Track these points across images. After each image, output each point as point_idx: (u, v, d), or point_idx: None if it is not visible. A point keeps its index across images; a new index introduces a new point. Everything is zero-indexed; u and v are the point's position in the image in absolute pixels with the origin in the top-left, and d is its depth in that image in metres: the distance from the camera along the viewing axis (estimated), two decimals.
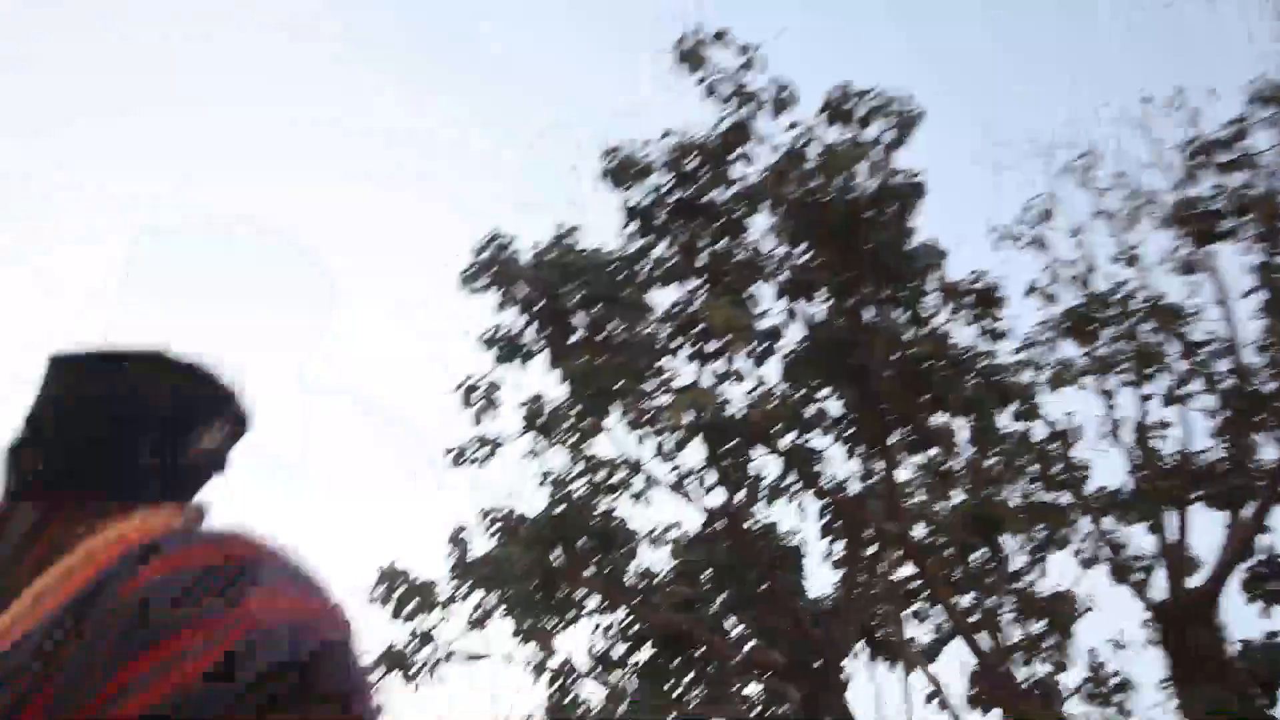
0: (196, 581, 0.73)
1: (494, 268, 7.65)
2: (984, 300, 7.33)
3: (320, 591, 0.78)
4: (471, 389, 7.91)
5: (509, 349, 7.74)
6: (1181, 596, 7.82)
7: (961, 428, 7.71)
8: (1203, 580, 7.76)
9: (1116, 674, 9.32)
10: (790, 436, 7.64)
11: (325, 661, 0.74)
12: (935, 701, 8.91)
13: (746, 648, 8.89)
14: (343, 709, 0.75)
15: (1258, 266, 7.52)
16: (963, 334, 7.81)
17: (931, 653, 9.32)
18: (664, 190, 7.39)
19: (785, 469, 7.82)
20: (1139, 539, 8.56)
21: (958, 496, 7.86)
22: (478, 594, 8.72)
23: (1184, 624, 7.75)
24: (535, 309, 7.53)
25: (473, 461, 8.40)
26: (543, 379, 9.08)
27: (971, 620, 8.24)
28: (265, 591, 0.73)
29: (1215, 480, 7.51)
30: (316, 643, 0.74)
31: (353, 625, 0.80)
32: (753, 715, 9.28)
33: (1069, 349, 8.04)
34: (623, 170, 7.44)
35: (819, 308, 7.42)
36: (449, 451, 8.42)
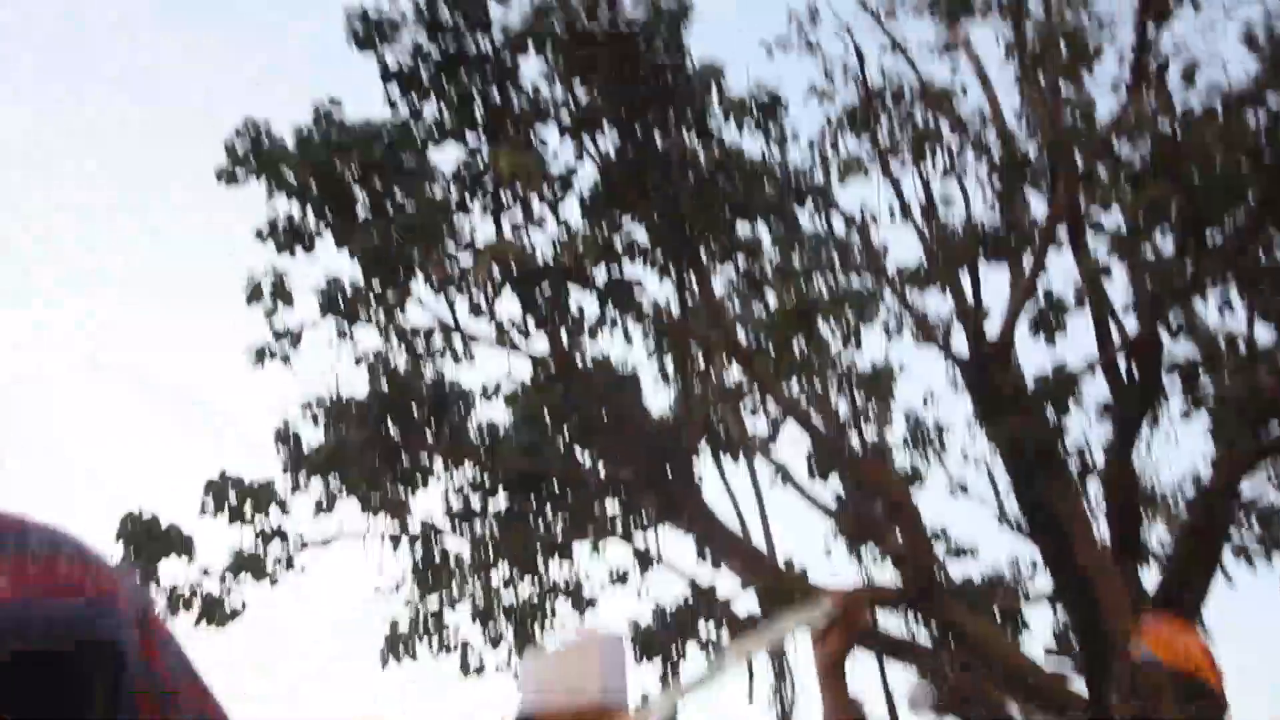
0: None
1: (254, 156, 6.95)
2: (767, 110, 7.26)
3: (61, 553, 0.68)
4: (256, 286, 7.37)
5: (289, 236, 7.18)
6: (982, 347, 8.46)
7: (765, 233, 7.84)
8: (997, 330, 8.41)
9: (933, 424, 10.22)
10: (602, 271, 7.57)
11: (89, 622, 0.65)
12: (781, 480, 9.56)
13: (599, 474, 9.17)
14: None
15: (1008, 40, 7.79)
16: (752, 144, 7.79)
17: (769, 440, 9.88)
18: (422, 47, 6.78)
19: (603, 303, 7.80)
20: (938, 304, 9.16)
21: (771, 297, 8.09)
22: (317, 484, 8.55)
23: (986, 370, 8.42)
24: (309, 192, 6.95)
25: (275, 357, 7.98)
26: (334, 261, 8.59)
27: (802, 407, 8.71)
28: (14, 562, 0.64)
29: (997, 240, 8.01)
30: (65, 616, 0.65)
31: (122, 584, 0.70)
32: (617, 532, 9.71)
33: (852, 143, 8.20)
34: (373, 32, 6.74)
35: (607, 142, 7.18)
36: (251, 353, 7.95)
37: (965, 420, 10.89)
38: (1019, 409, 8.26)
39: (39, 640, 0.63)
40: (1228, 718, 2.21)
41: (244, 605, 8.60)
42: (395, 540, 8.95)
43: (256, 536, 8.30)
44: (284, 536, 8.44)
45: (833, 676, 1.67)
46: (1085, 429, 8.81)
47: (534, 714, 1.74)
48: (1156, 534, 9.94)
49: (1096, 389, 8.58)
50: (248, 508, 8.24)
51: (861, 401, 9.45)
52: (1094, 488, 9.38)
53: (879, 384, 9.16)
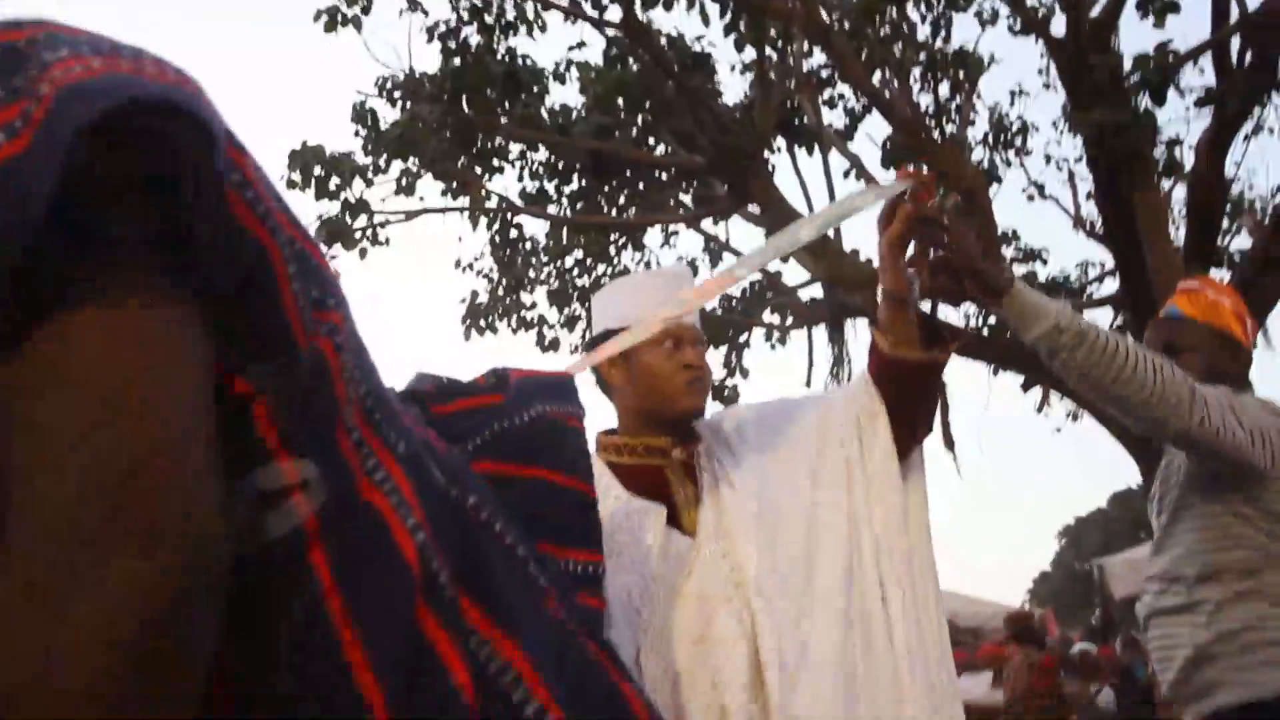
0: None
1: None
2: None
3: (146, 56, 0.64)
4: None
5: None
6: (1082, 26, 7.94)
7: None
8: (1100, 9, 7.86)
9: (1019, 119, 9.84)
10: None
11: (176, 103, 0.61)
12: (854, 175, 9.46)
13: (671, 161, 9.18)
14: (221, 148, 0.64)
15: None
16: None
17: (848, 133, 9.68)
18: None
19: None
20: None
21: None
22: (397, 164, 8.76)
23: (1083, 54, 7.96)
24: None
25: (348, 23, 7.91)
26: None
27: (883, 93, 8.44)
28: (68, 58, 0.59)
29: None
30: (157, 87, 0.61)
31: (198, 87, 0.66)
32: (686, 215, 9.86)
33: None
34: None
35: None
36: (319, 16, 7.89)
37: (1052, 120, 10.43)
38: (1112, 96, 7.88)
39: (141, 97, 0.59)
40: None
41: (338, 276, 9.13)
42: (474, 219, 9.25)
43: (342, 209, 8.63)
44: (369, 209, 8.76)
45: (891, 256, 1.70)
46: (1180, 122, 8.40)
47: (610, 329, 1.78)
48: (1236, 242, 9.75)
49: (1201, 80, 8.08)
50: (332, 181, 8.52)
51: (946, 92, 9.10)
52: (1179, 190, 9.13)
53: (965, 68, 8.76)
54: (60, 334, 0.57)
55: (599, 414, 1.96)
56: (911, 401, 1.78)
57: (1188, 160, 8.39)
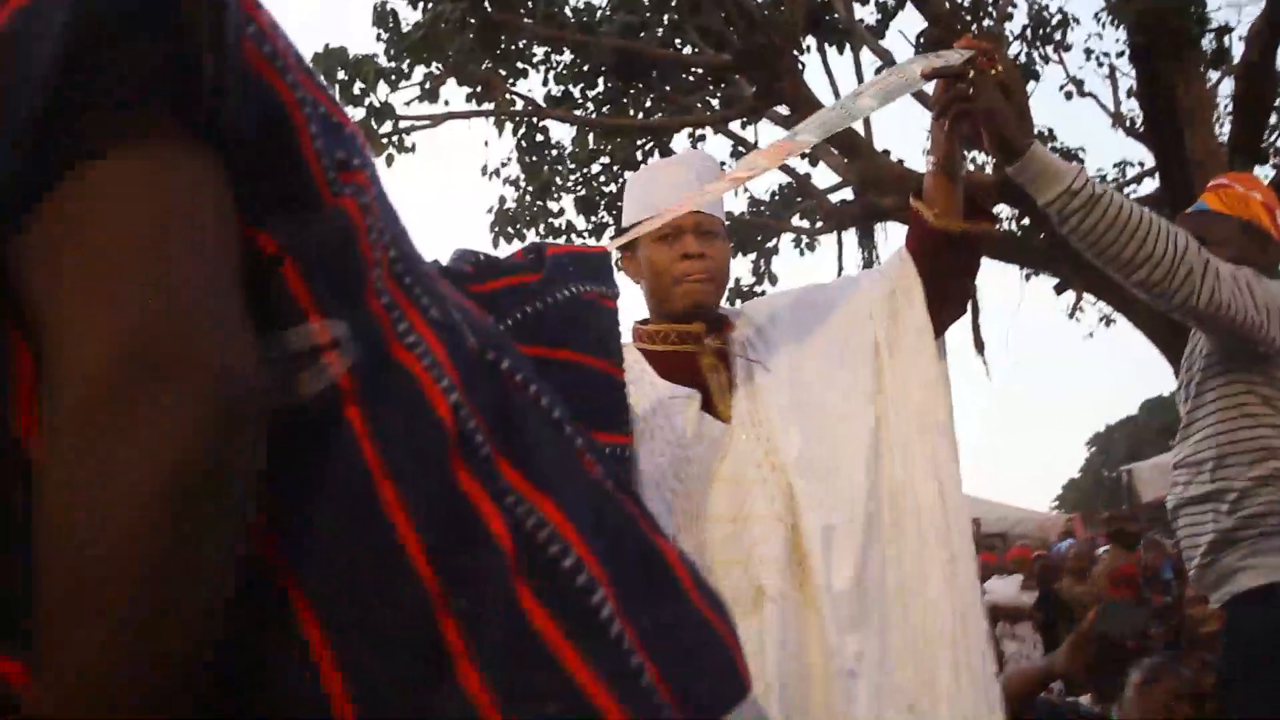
0: None
1: None
2: None
3: None
4: None
5: None
6: None
7: None
8: None
9: (1059, 11, 9.48)
10: None
11: None
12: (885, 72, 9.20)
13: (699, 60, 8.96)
14: None
15: None
16: None
17: (879, 29, 9.38)
18: None
19: None
20: None
21: None
22: (420, 70, 8.61)
23: None
24: None
25: None
26: None
27: None
28: None
29: None
30: None
31: None
32: (713, 117, 9.67)
33: None
34: None
35: None
36: None
37: (1094, 12, 10.04)
38: None
39: None
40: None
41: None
42: (499, 124, 9.12)
43: (367, 114, 8.54)
44: (394, 114, 8.66)
45: (941, 125, 1.70)
46: (1230, 9, 8.06)
47: (640, 219, 1.76)
48: None
49: None
50: (356, 86, 8.41)
51: None
52: (1225, 85, 8.81)
53: None
54: (82, 187, 0.56)
55: (636, 298, 1.97)
56: (948, 276, 1.76)
57: (1237, 51, 8.09)
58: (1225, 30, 8.00)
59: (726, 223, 1.89)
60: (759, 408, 1.73)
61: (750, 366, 1.78)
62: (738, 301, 5.45)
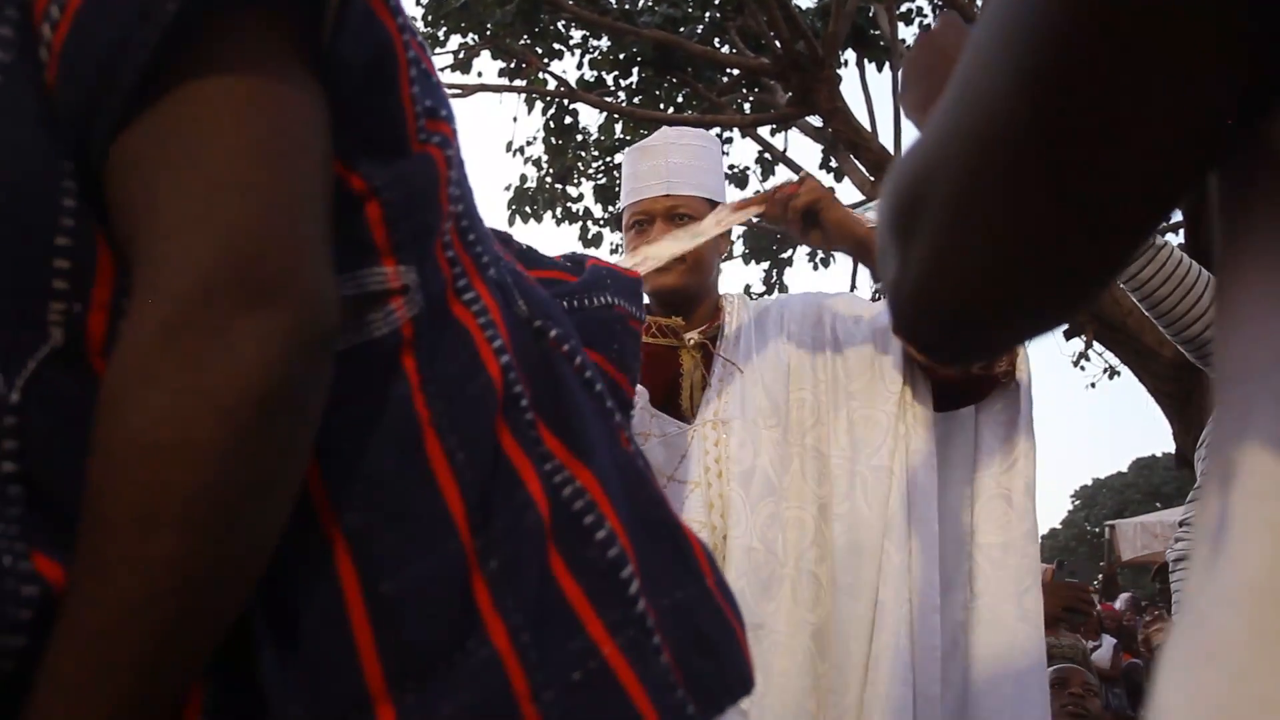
0: None
1: None
2: None
3: None
4: None
5: None
6: None
7: None
8: None
9: None
10: None
11: None
12: None
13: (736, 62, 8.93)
14: None
15: None
16: None
17: None
18: None
19: None
20: None
21: None
22: (456, 39, 8.58)
23: None
24: None
25: None
26: None
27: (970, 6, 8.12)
28: None
29: None
30: None
31: None
32: (744, 119, 9.63)
33: None
34: None
35: None
36: None
37: None
38: None
39: None
40: None
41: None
42: (530, 101, 9.09)
43: None
44: None
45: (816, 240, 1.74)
46: None
47: (637, 200, 1.78)
48: None
49: None
50: None
51: None
52: None
53: None
54: (190, 94, 0.56)
55: None
56: (957, 402, 1.73)
57: None
58: None
59: (741, 235, 1.85)
60: (724, 409, 1.71)
61: (730, 367, 1.75)
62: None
